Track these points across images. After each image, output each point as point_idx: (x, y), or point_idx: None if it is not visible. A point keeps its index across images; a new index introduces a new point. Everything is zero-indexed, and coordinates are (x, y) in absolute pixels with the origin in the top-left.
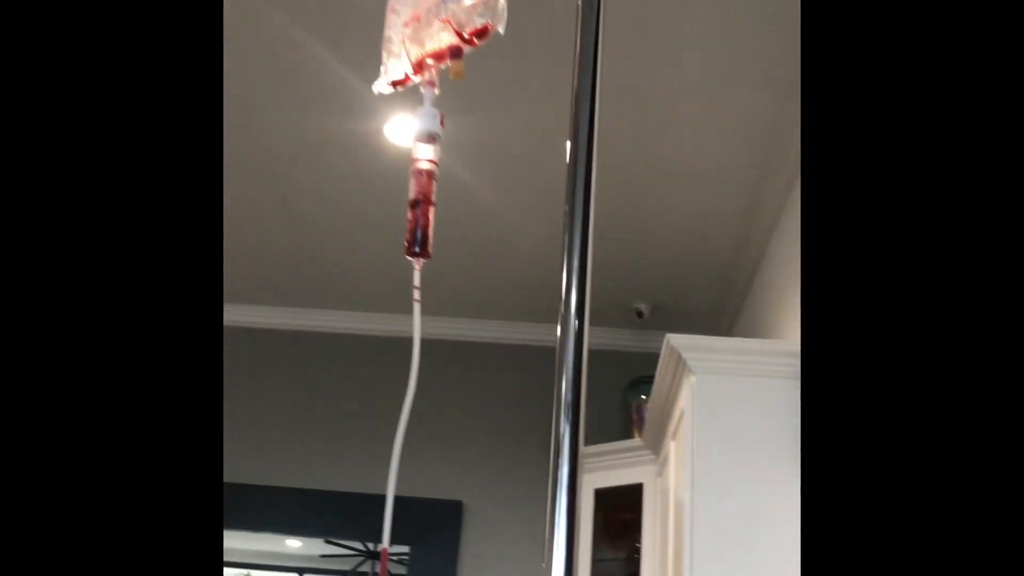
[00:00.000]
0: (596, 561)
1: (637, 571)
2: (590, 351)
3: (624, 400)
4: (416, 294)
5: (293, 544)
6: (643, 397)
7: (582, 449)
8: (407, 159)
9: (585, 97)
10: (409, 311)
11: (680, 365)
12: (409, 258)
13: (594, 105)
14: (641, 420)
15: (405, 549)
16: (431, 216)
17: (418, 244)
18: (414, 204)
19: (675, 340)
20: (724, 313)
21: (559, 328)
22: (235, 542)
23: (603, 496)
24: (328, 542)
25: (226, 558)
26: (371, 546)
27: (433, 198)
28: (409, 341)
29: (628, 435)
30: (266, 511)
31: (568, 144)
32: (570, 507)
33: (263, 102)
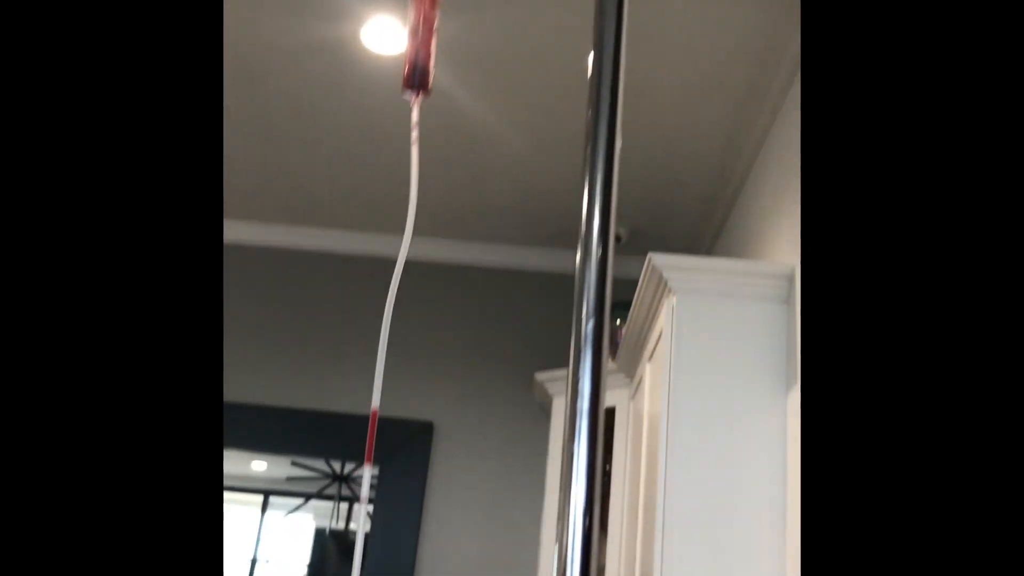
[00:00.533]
0: None
1: (607, 494)
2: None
3: None
4: (414, 134)
5: (258, 467)
6: (618, 322)
7: (553, 374)
8: (385, 66)
9: (611, 2)
10: (383, 230)
11: (661, 285)
12: (406, 93)
13: (622, 9)
14: (615, 345)
15: (375, 469)
16: (432, 47)
17: (417, 77)
18: (413, 32)
19: (657, 259)
20: (704, 238)
21: (579, 253)
22: None
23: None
24: (294, 464)
25: None
26: (337, 468)
27: (435, 25)
28: (385, 261)
29: None
30: (232, 428)
31: (591, 54)
32: (591, 442)
33: (234, 9)
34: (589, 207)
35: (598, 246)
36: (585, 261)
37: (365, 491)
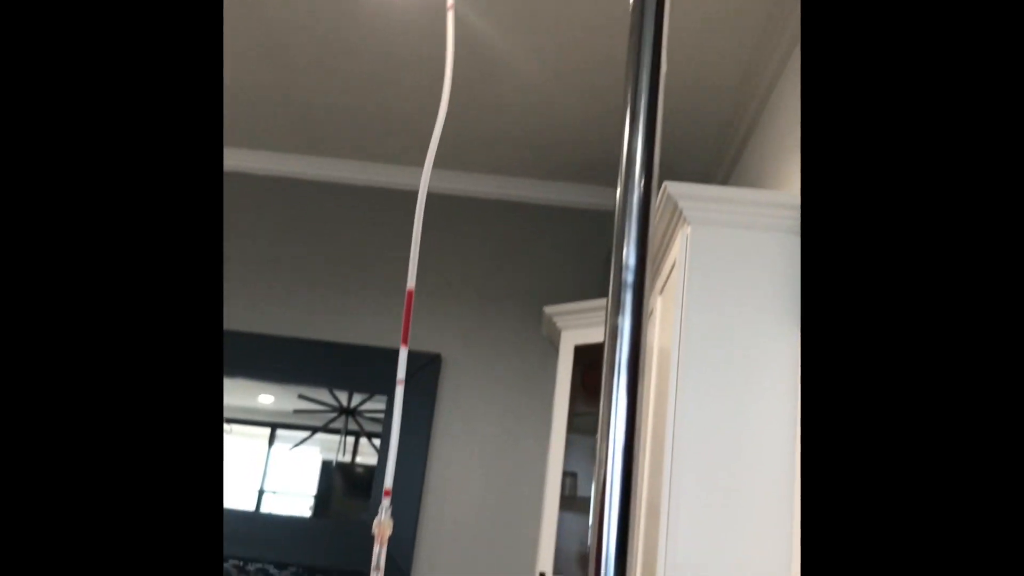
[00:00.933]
0: (573, 416)
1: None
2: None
3: (608, 257)
4: (450, 2)
5: (265, 400)
6: None
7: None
8: None
9: None
10: (393, 161)
11: (675, 214)
12: None
13: None
14: None
15: (382, 402)
16: None
17: None
18: None
19: (673, 188)
20: (719, 169)
21: (620, 186)
22: None
23: (582, 352)
24: (301, 397)
25: None
26: (344, 401)
27: None
28: (395, 192)
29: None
30: (240, 358)
31: None
32: (631, 388)
33: None
34: (631, 138)
35: (641, 179)
36: (627, 196)
37: (402, 371)
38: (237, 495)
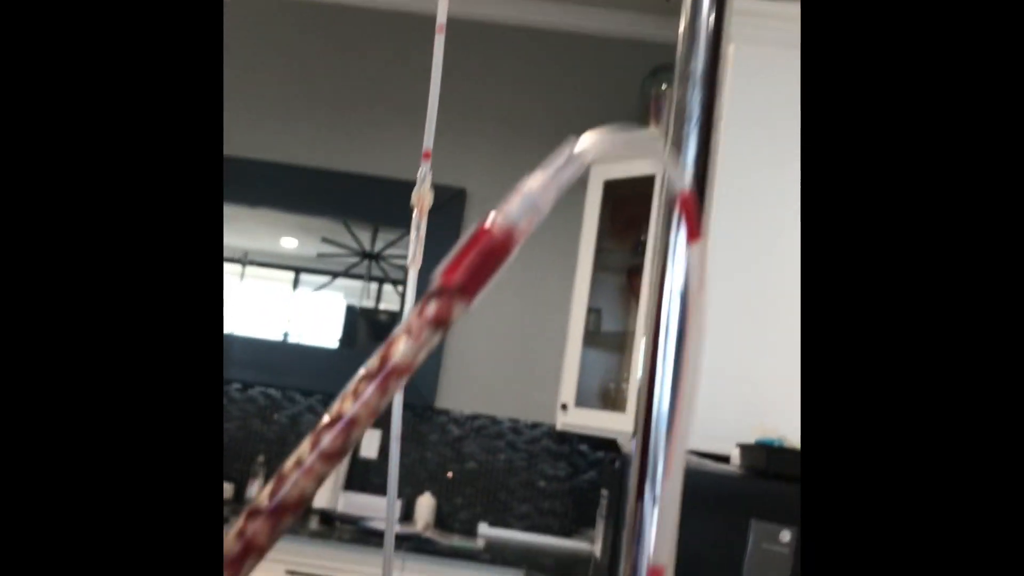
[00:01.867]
0: (600, 252)
1: (641, 264)
2: (606, 40)
3: (643, 90)
4: None
5: (288, 244)
6: (664, 87)
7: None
8: None
9: None
10: None
11: None
12: None
13: None
14: (659, 111)
15: (405, 247)
16: None
17: None
18: None
19: None
20: None
21: (686, 11)
22: (231, 238)
23: (612, 187)
24: (325, 240)
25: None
26: (367, 245)
27: None
28: (420, 17)
29: (644, 125)
30: (264, 188)
31: None
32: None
33: None
34: None
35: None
36: (695, 19)
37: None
38: (263, 328)
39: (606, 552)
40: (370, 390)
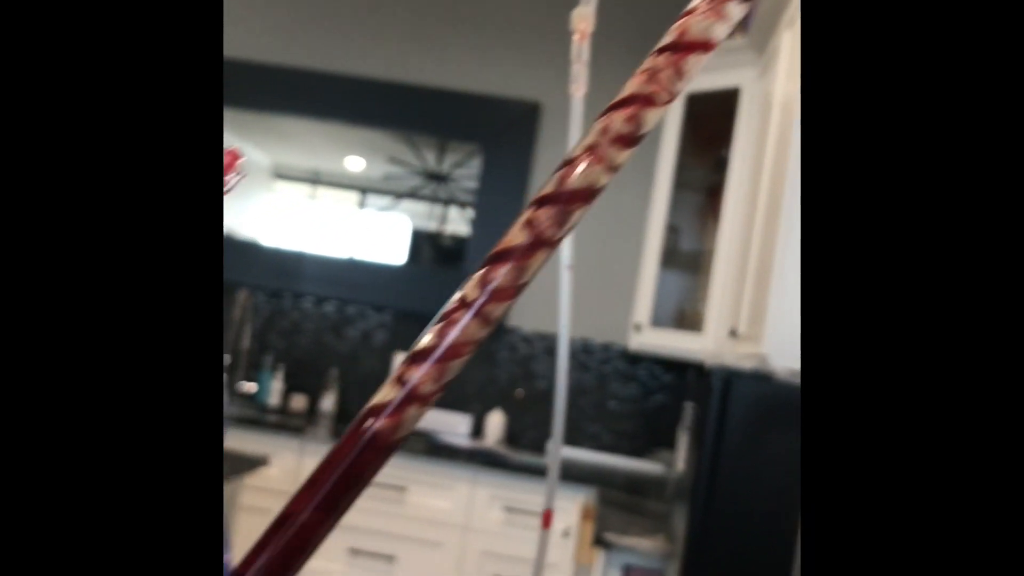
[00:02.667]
0: (679, 168)
1: (721, 181)
2: None
3: None
4: None
5: (355, 165)
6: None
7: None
8: None
9: None
10: None
11: None
12: None
13: None
14: (745, 18)
15: (472, 168)
16: None
17: None
18: None
19: None
20: None
21: None
22: (296, 158)
23: (694, 102)
24: (392, 160)
25: (288, 175)
26: (433, 165)
27: None
28: None
29: (729, 36)
30: (331, 101)
31: None
32: None
33: None
34: None
35: None
36: None
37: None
38: (331, 247)
39: (691, 465)
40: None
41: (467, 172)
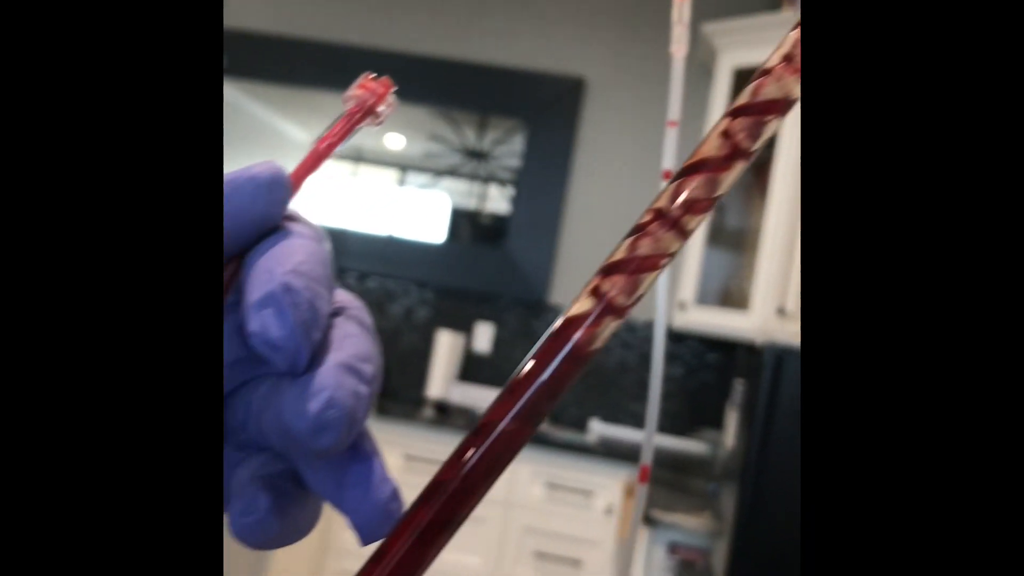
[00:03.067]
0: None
1: (769, 158)
2: None
3: None
4: None
5: (396, 143)
6: None
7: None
8: None
9: None
10: None
11: None
12: None
13: None
14: None
15: (513, 144)
16: None
17: None
18: None
19: None
20: None
21: None
22: None
23: (740, 76)
24: (432, 138)
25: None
26: (473, 142)
27: None
28: None
29: (775, 6)
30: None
31: None
32: None
33: None
34: None
35: None
36: None
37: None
38: (371, 223)
39: (741, 443)
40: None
41: (507, 149)
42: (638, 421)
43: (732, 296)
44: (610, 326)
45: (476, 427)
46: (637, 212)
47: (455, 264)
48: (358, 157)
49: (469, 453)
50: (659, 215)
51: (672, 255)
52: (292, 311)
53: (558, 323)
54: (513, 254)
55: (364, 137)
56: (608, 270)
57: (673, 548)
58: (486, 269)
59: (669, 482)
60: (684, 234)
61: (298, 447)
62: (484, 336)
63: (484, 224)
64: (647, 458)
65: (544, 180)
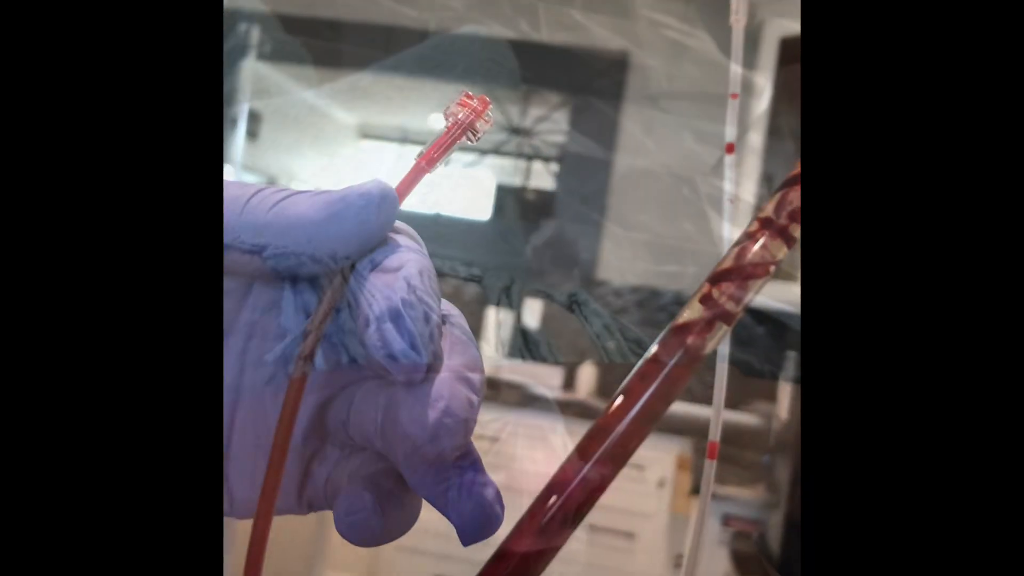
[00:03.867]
0: (774, 114)
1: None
2: None
3: None
4: None
5: (439, 123)
6: None
7: None
8: None
9: None
10: None
11: None
12: None
13: None
14: None
15: (558, 122)
16: None
17: None
18: None
19: None
20: None
21: None
22: (379, 116)
23: (786, 45)
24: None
25: (373, 135)
26: (518, 123)
27: None
28: None
29: None
30: (418, 53)
31: None
32: None
33: None
34: None
35: None
36: None
37: None
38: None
39: (794, 412)
40: None
41: (550, 127)
42: (689, 394)
43: (780, 269)
44: (722, 331)
45: (592, 430)
46: (683, 186)
47: (501, 241)
48: (404, 138)
49: (587, 459)
50: (765, 224)
51: (779, 261)
52: (411, 325)
53: (668, 329)
54: (559, 230)
55: (408, 117)
56: (717, 278)
57: (727, 519)
58: (532, 245)
59: (721, 454)
60: (790, 242)
61: (413, 452)
62: (533, 313)
63: (530, 200)
64: (715, 435)
65: (589, 156)
